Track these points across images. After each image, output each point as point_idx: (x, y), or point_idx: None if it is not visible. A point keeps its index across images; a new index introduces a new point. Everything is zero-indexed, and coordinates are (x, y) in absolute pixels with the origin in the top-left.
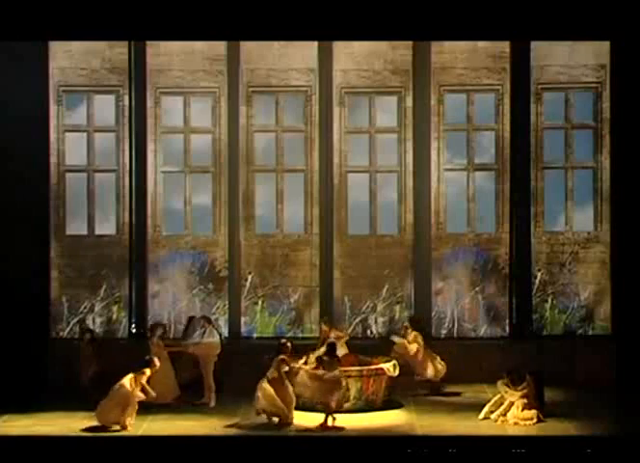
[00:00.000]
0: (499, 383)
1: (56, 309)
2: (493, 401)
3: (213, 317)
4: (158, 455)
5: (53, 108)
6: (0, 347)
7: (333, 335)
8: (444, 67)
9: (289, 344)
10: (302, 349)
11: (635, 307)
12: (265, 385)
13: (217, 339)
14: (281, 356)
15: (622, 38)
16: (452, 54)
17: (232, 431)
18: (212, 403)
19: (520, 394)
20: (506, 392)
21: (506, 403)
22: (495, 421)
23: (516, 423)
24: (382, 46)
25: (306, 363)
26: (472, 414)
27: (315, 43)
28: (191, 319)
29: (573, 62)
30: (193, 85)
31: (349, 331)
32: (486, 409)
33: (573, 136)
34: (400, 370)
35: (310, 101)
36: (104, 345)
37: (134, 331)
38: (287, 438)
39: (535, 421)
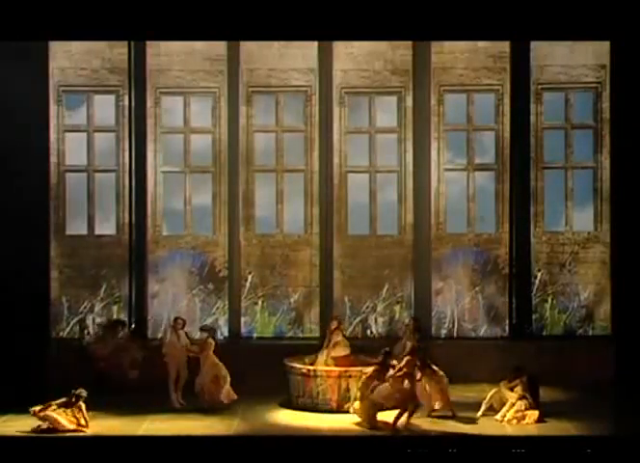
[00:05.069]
0: (502, 383)
1: (56, 309)
2: (488, 397)
3: (213, 317)
4: (158, 455)
5: (53, 108)
6: (0, 347)
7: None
8: (444, 67)
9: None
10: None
11: (635, 307)
12: None
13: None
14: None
15: (622, 38)
16: (452, 54)
17: (232, 431)
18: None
19: (516, 394)
20: (506, 390)
21: (508, 403)
22: (501, 421)
23: (517, 423)
24: (382, 46)
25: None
26: (472, 414)
27: (315, 43)
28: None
29: (572, 62)
30: (193, 85)
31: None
32: (483, 407)
33: (573, 136)
34: None
35: (310, 101)
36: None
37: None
38: (287, 438)
39: (534, 420)
